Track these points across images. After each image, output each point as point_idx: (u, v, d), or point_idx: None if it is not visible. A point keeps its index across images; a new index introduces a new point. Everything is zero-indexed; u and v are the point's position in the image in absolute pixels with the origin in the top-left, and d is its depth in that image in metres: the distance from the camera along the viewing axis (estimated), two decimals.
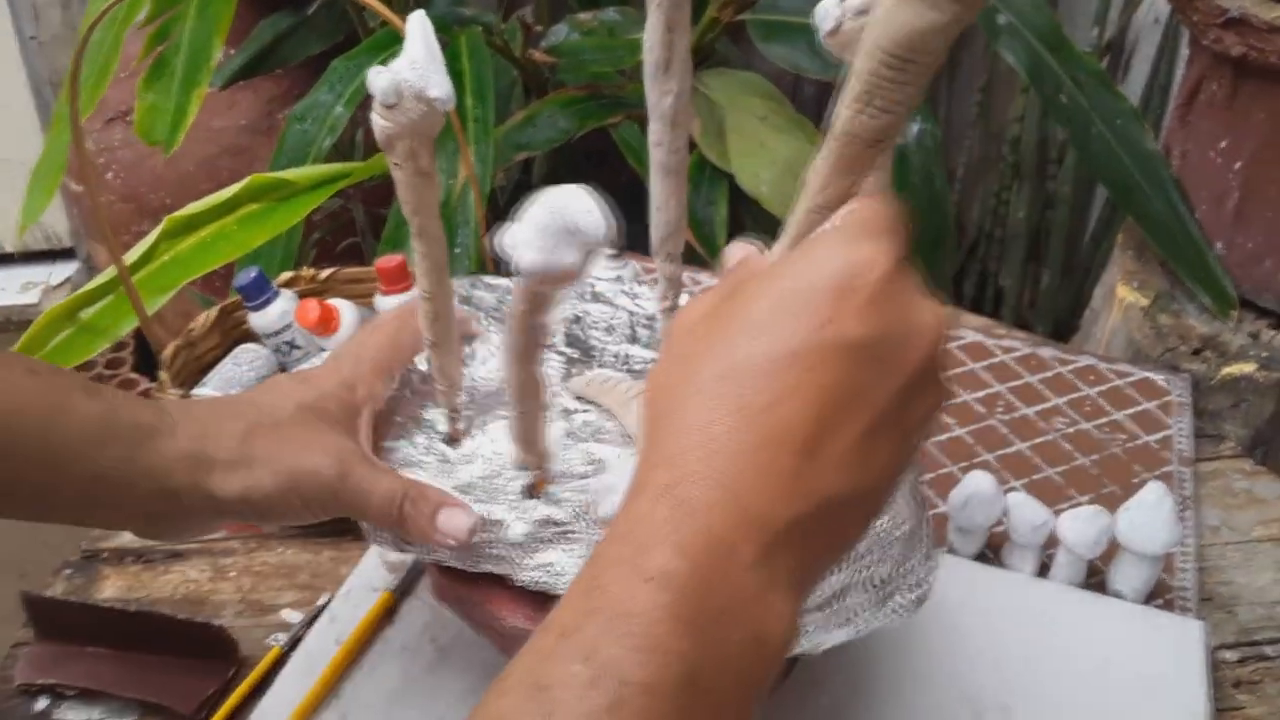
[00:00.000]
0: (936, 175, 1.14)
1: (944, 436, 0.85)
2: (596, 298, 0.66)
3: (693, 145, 1.33)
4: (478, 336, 0.61)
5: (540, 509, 0.51)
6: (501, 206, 1.53)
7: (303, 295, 0.86)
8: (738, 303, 0.36)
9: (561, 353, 0.61)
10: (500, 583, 0.51)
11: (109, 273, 0.84)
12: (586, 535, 0.50)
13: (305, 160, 1.11)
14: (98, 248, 1.90)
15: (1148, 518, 0.68)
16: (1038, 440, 0.84)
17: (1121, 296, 1.01)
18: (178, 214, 0.87)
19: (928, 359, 0.36)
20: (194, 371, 0.83)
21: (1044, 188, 1.52)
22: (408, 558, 0.71)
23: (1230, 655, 0.70)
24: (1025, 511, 0.71)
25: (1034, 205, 1.53)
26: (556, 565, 0.49)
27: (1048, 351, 0.94)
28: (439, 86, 0.44)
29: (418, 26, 0.44)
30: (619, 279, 0.68)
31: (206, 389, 0.80)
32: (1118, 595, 0.71)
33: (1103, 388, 0.90)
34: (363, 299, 0.88)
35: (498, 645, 0.55)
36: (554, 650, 0.31)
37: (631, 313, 0.65)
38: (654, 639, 0.30)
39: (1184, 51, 1.19)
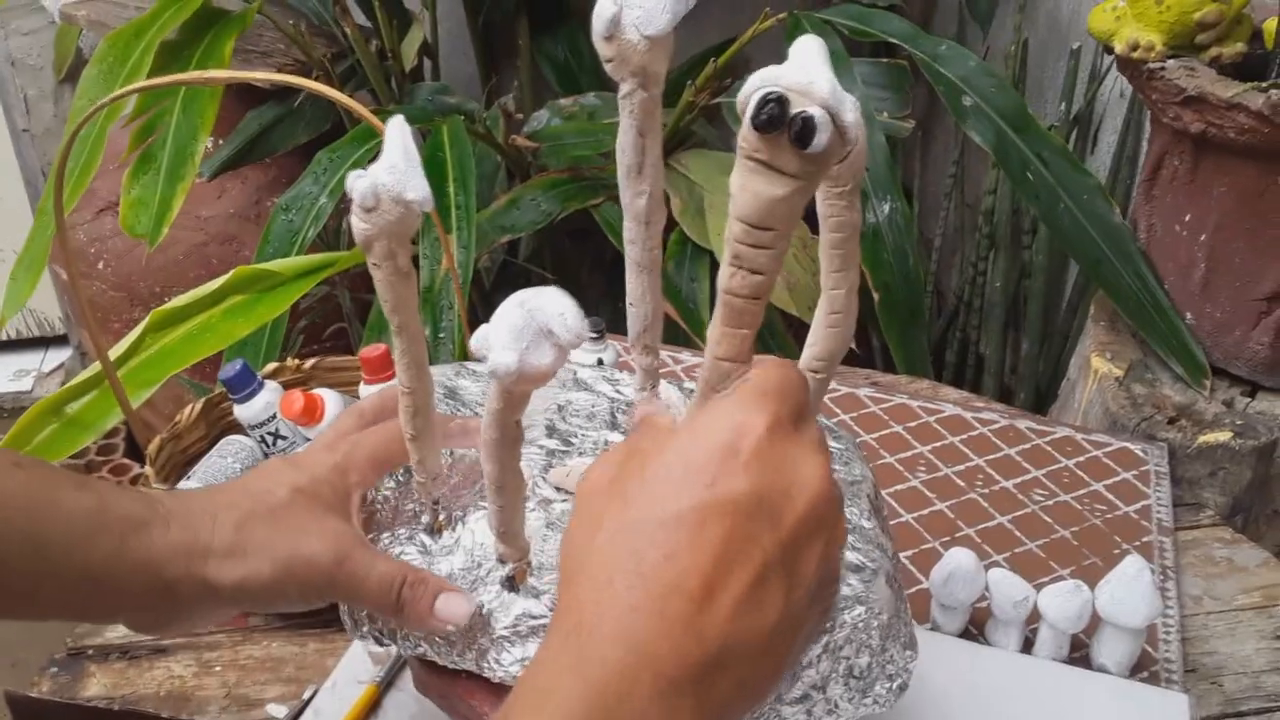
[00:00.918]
0: (910, 252, 1.16)
1: (925, 511, 0.86)
2: (579, 385, 0.67)
3: (674, 224, 1.36)
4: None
5: (519, 603, 0.51)
6: (488, 287, 1.55)
7: (287, 386, 0.86)
8: (635, 465, 0.40)
9: (542, 445, 0.62)
10: (481, 677, 0.51)
11: (95, 367, 0.85)
12: None
13: (291, 250, 1.13)
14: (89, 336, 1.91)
15: (1128, 591, 0.69)
16: (1018, 513, 0.85)
17: (1096, 367, 1.02)
18: (164, 307, 0.89)
19: (811, 509, 0.39)
20: (179, 464, 0.84)
21: (1019, 257, 1.55)
22: (393, 649, 0.71)
23: None
24: (1006, 587, 0.71)
25: (1010, 274, 1.55)
26: (532, 659, 0.50)
27: (1025, 424, 0.95)
28: (416, 189, 0.45)
29: (396, 132, 0.46)
30: (600, 363, 0.69)
31: (192, 482, 0.81)
32: (1102, 669, 0.71)
33: (1080, 459, 0.91)
34: (347, 387, 0.89)
35: None
36: None
37: (612, 399, 0.66)
38: None
39: (1149, 126, 1.22)
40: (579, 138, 1.43)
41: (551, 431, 0.63)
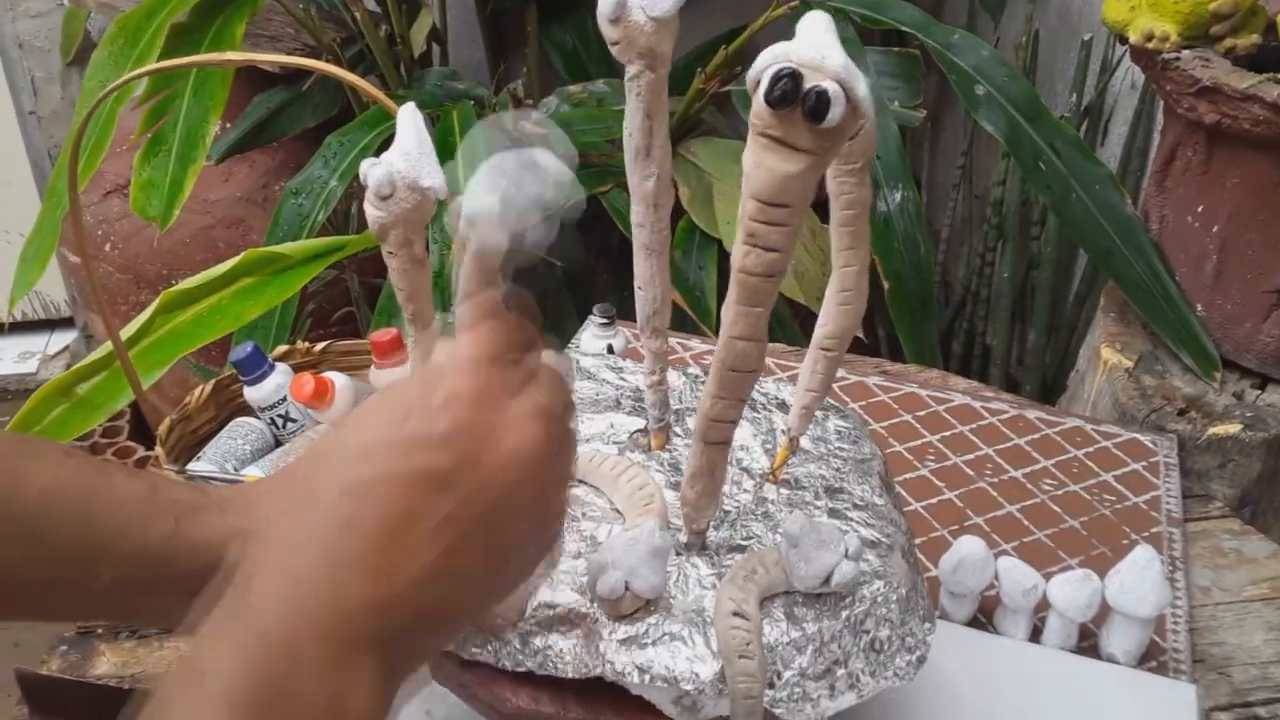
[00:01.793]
0: (921, 240, 1.16)
1: (934, 500, 0.85)
2: (584, 374, 0.67)
3: (682, 212, 1.35)
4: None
5: (539, 593, 0.51)
6: None
7: (297, 369, 0.86)
8: (346, 429, 0.39)
9: None
10: (503, 668, 0.51)
11: (105, 347, 0.85)
12: (584, 615, 0.50)
13: (300, 234, 1.13)
14: (95, 317, 1.91)
15: (1137, 581, 0.69)
16: (1027, 502, 0.85)
17: (1105, 358, 1.02)
18: (174, 289, 0.89)
19: (508, 482, 0.38)
20: (189, 445, 0.84)
21: (1028, 248, 1.55)
22: None
23: (1225, 717, 0.70)
24: (1015, 576, 0.71)
25: (1018, 265, 1.55)
26: (555, 648, 0.50)
27: (1034, 414, 0.95)
28: (432, 176, 0.45)
29: (409, 118, 0.46)
30: (610, 349, 0.69)
31: (202, 463, 0.81)
32: (1110, 659, 0.71)
33: (1090, 449, 0.91)
34: (357, 371, 0.89)
35: None
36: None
37: (617, 386, 0.66)
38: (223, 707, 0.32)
39: (1160, 117, 1.22)
40: (587, 124, 1.43)
41: None
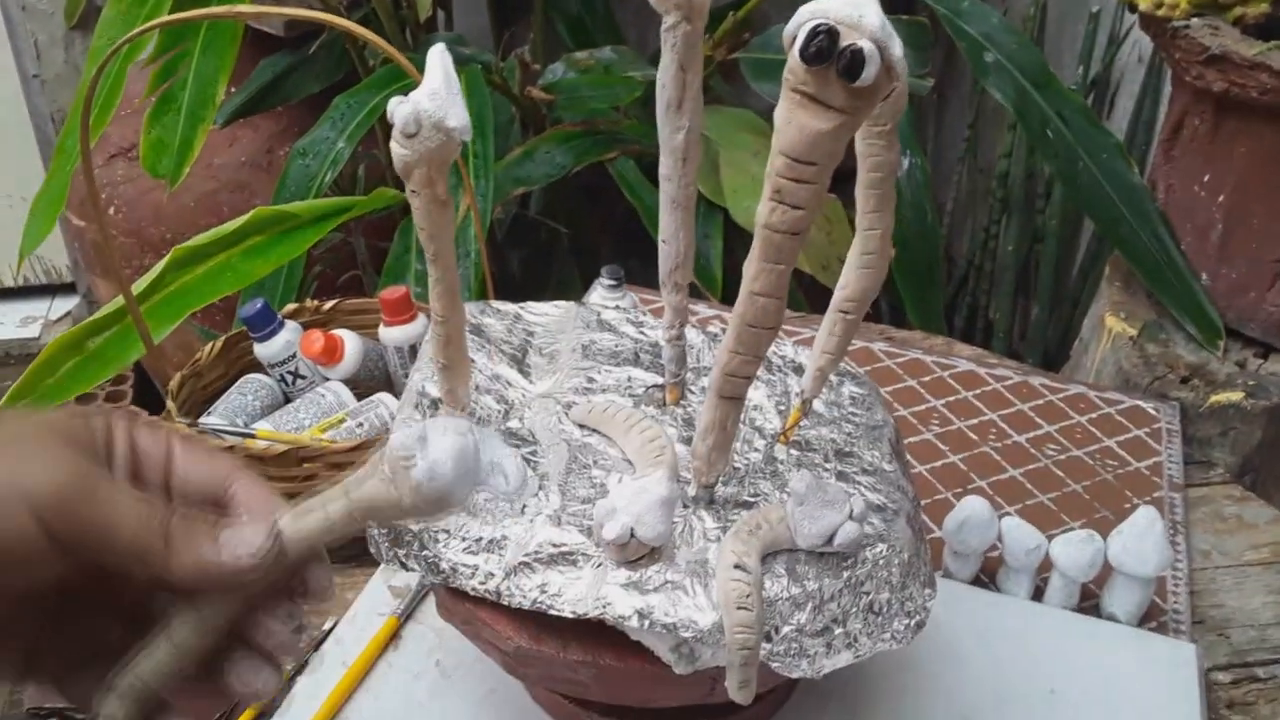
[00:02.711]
0: (927, 208, 1.16)
1: (938, 463, 0.86)
2: (603, 326, 0.67)
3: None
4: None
5: (543, 531, 0.52)
6: (500, 239, 1.55)
7: (307, 326, 0.87)
8: None
9: (567, 384, 0.62)
10: (504, 603, 0.52)
11: (116, 302, 0.85)
12: (588, 558, 0.51)
13: (308, 194, 1.13)
14: (98, 281, 1.91)
15: (1139, 541, 0.70)
16: (1030, 467, 0.86)
17: (1110, 326, 1.03)
18: (185, 245, 0.89)
19: None
20: (200, 401, 0.84)
21: (1032, 221, 1.55)
22: (412, 580, 0.72)
23: (1223, 677, 0.71)
24: (1019, 535, 0.72)
25: (1022, 239, 1.55)
26: (552, 586, 0.50)
27: (1039, 380, 0.96)
28: (457, 117, 0.46)
29: (437, 59, 0.46)
30: (621, 308, 0.70)
31: (213, 418, 0.81)
32: (1111, 618, 0.72)
33: (1093, 415, 0.91)
34: (366, 330, 0.89)
35: (502, 664, 0.56)
36: None
37: (636, 340, 0.67)
38: None
39: (1167, 88, 1.22)
40: (594, 91, 1.42)
41: (575, 371, 0.63)
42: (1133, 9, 0.99)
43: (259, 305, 0.84)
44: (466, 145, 1.13)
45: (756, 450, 0.59)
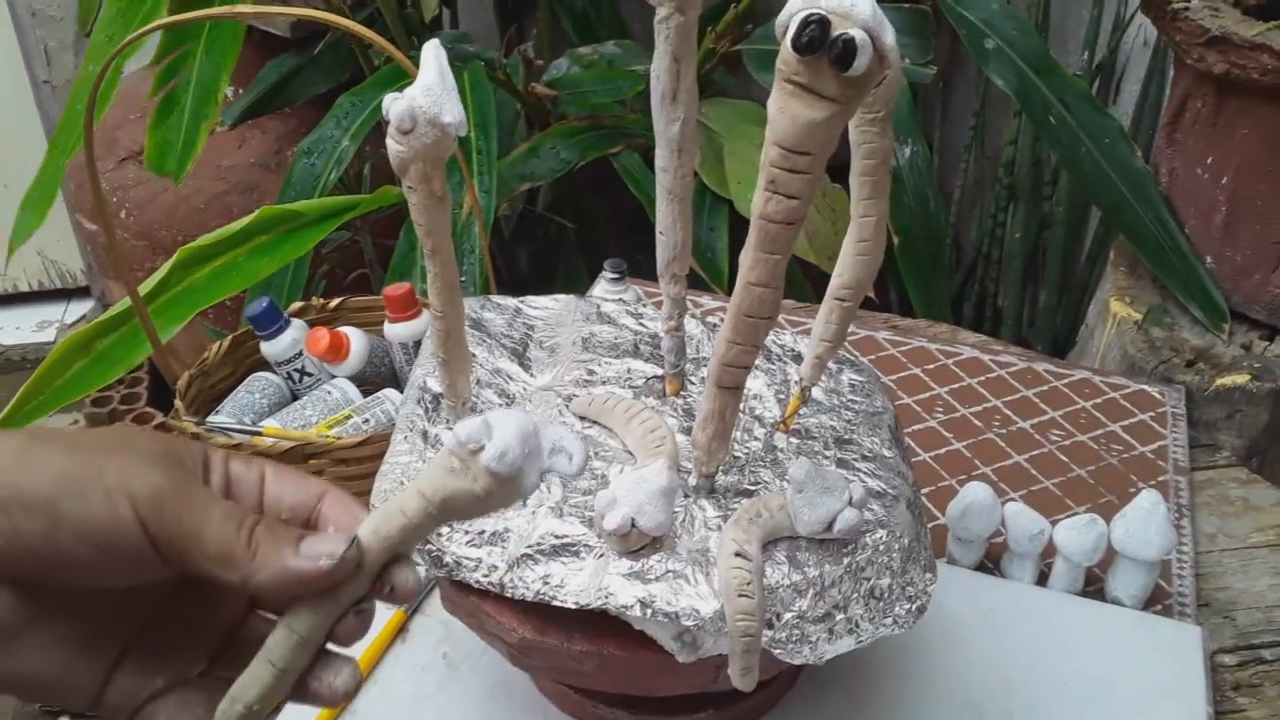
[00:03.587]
0: (930, 196, 1.16)
1: (942, 450, 0.86)
2: (603, 319, 0.68)
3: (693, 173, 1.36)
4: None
5: (545, 523, 0.52)
6: (507, 236, 1.55)
7: (313, 324, 0.88)
8: None
9: (568, 377, 0.63)
10: (508, 595, 0.52)
11: (123, 303, 0.86)
12: (590, 548, 0.52)
13: (313, 193, 1.14)
14: (111, 285, 1.93)
15: (1142, 524, 0.70)
16: (1035, 452, 0.86)
17: (1115, 311, 1.02)
18: (191, 245, 0.90)
19: None
20: (208, 400, 0.85)
21: (1039, 208, 1.54)
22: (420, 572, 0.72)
23: (1229, 659, 0.71)
24: (1022, 521, 0.72)
25: (1030, 226, 1.55)
26: (555, 577, 0.51)
27: (1043, 366, 0.96)
28: (452, 112, 0.46)
29: (432, 55, 0.46)
30: (622, 301, 0.70)
31: (220, 417, 0.82)
32: (1116, 602, 0.72)
33: (1098, 400, 0.91)
34: (372, 327, 0.90)
35: (507, 656, 0.56)
36: None
37: (635, 331, 0.67)
38: None
39: (1172, 72, 1.21)
40: (598, 86, 1.43)
41: (575, 364, 0.64)
42: None
43: (264, 304, 0.84)
44: (470, 141, 1.13)
45: (756, 439, 0.60)
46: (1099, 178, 1.03)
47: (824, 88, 0.41)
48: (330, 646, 0.39)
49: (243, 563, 0.36)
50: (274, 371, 0.87)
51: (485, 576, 0.52)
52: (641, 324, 0.68)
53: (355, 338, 0.86)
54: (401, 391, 0.84)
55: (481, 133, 1.13)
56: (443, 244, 0.51)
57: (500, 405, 0.60)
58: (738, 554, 0.50)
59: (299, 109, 1.58)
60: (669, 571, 0.51)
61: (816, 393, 0.63)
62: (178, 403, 0.80)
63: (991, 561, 0.76)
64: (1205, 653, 0.68)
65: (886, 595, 0.54)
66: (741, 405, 0.59)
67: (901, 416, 0.89)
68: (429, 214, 0.49)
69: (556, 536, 0.52)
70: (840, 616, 0.52)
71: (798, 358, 0.66)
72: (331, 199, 0.99)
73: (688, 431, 0.59)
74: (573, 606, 0.50)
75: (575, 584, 0.50)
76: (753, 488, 0.56)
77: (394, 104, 0.46)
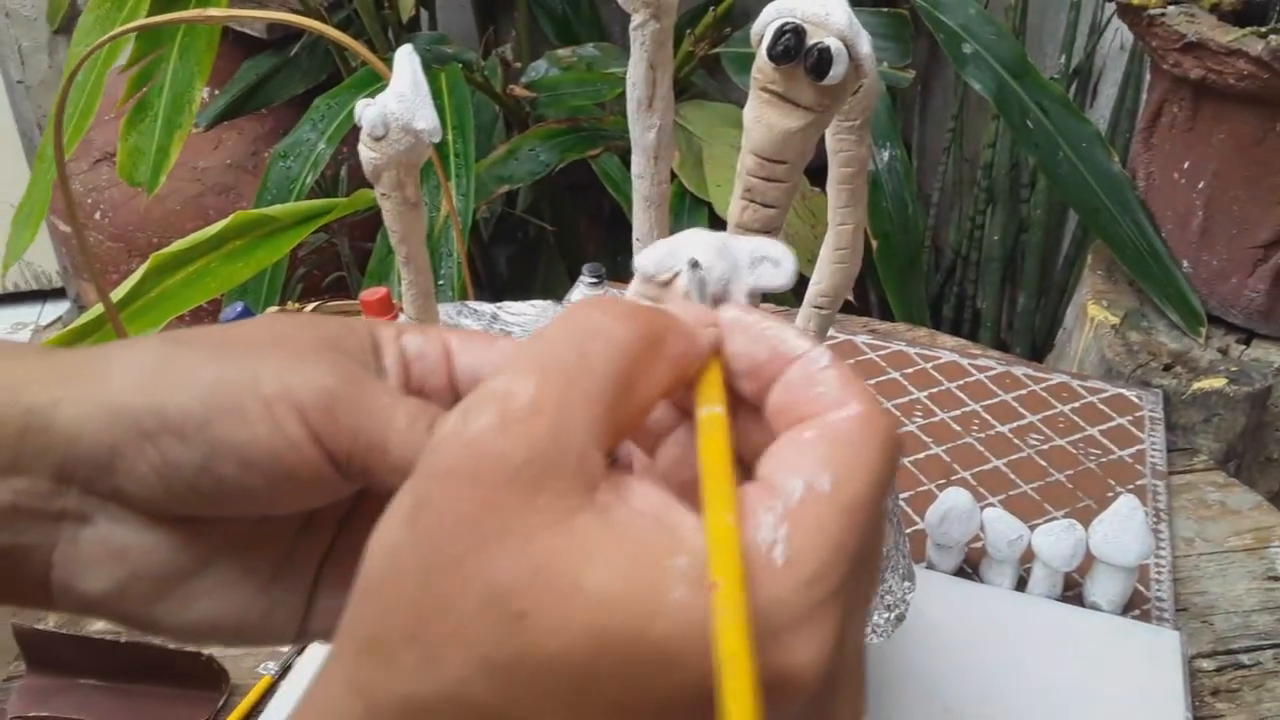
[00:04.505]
0: (909, 200, 1.17)
1: (921, 455, 0.86)
2: None
3: (673, 176, 1.35)
4: None
5: None
6: (486, 239, 1.55)
7: None
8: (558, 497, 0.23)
9: None
10: None
11: (97, 309, 0.85)
12: None
13: (289, 197, 1.13)
14: (87, 287, 1.91)
15: (1120, 530, 0.70)
16: (1013, 457, 0.86)
17: (1092, 315, 1.03)
18: (164, 251, 0.89)
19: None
20: None
21: (1017, 211, 1.55)
22: None
23: (1208, 664, 0.71)
24: (1000, 526, 0.72)
25: (1008, 229, 1.55)
26: None
27: (1021, 370, 0.96)
28: (425, 119, 0.46)
29: (405, 60, 0.46)
30: None
31: None
32: (1095, 607, 0.72)
33: (1076, 404, 0.91)
34: None
35: None
36: None
37: None
38: None
39: (1149, 77, 1.22)
40: (577, 88, 1.42)
41: None
42: None
43: (238, 309, 0.83)
44: (447, 144, 1.13)
45: None
46: (1076, 182, 1.04)
47: (800, 96, 0.41)
48: None
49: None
50: None
51: None
52: None
53: None
54: None
55: (459, 135, 1.13)
56: (417, 250, 0.50)
57: None
58: None
59: (276, 110, 1.57)
60: None
61: None
62: None
63: (970, 567, 0.76)
64: (1184, 658, 0.68)
65: None
66: None
67: None
68: (403, 220, 0.49)
69: None
70: None
71: None
72: (307, 203, 0.98)
73: None
74: None
75: None
76: None
77: (366, 110, 0.45)
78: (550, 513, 0.22)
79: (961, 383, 0.94)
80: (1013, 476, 0.84)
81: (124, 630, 0.72)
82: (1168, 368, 0.96)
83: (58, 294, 2.32)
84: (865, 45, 0.41)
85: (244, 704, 0.66)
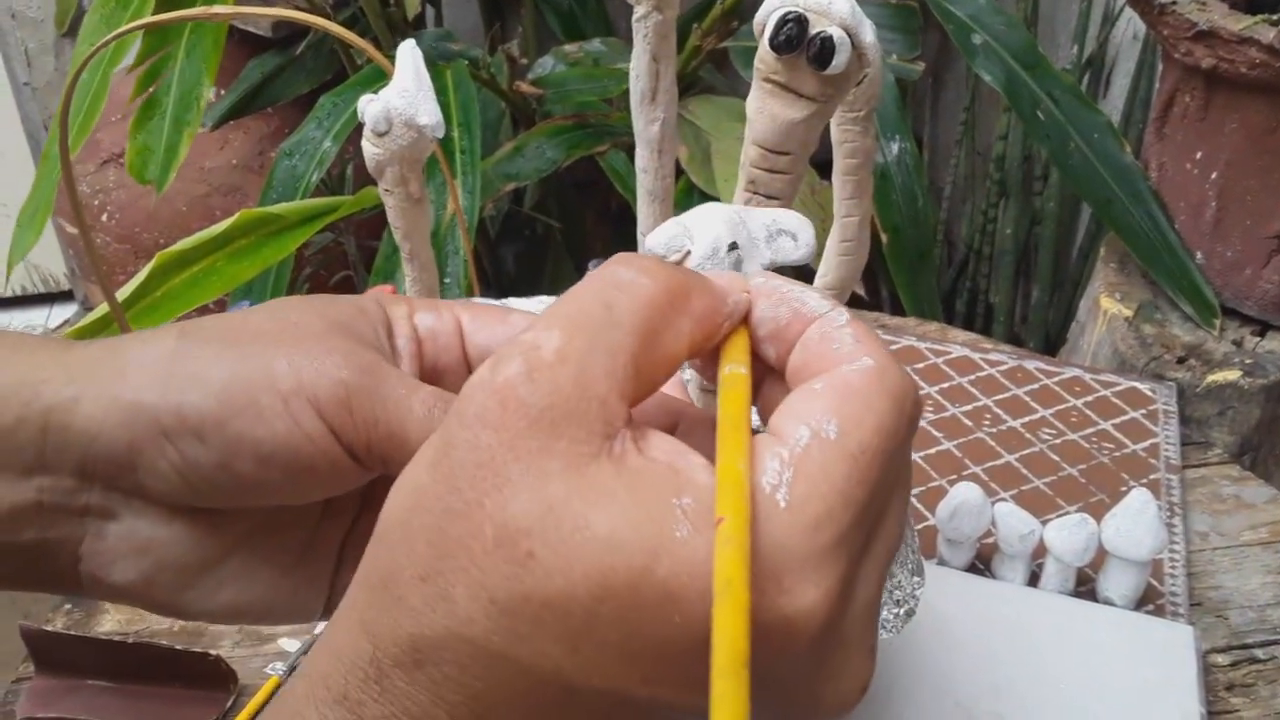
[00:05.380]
0: (919, 193, 1.16)
1: (932, 450, 0.86)
2: None
3: (680, 170, 1.35)
4: None
5: None
6: (493, 236, 1.54)
7: None
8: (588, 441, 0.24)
9: None
10: None
11: (102, 309, 0.85)
12: None
13: (295, 195, 1.12)
14: (94, 289, 1.91)
15: (1133, 524, 0.69)
16: (1025, 452, 0.85)
17: (1105, 308, 1.02)
18: (169, 250, 0.89)
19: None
20: None
21: (1030, 204, 1.54)
22: None
23: (1222, 659, 0.70)
24: (1012, 521, 0.72)
25: (1021, 222, 1.54)
26: None
27: (1034, 364, 0.95)
28: (428, 114, 0.45)
29: (408, 55, 0.46)
30: None
31: None
32: (1108, 602, 0.72)
33: (1089, 398, 0.91)
34: None
35: None
36: None
37: None
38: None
39: (1161, 67, 1.21)
40: (584, 84, 1.42)
41: None
42: None
43: (245, 306, 0.83)
44: (453, 141, 1.12)
45: None
46: (1088, 173, 1.03)
47: (802, 86, 0.40)
48: None
49: None
50: None
51: None
52: None
53: None
54: None
55: (465, 132, 1.12)
56: (421, 247, 0.50)
57: None
58: None
59: (282, 109, 1.57)
60: None
61: None
62: None
63: (982, 562, 0.75)
64: (1198, 652, 0.67)
65: None
66: None
67: None
68: (406, 217, 0.49)
69: None
70: None
71: None
72: (313, 201, 0.98)
73: None
74: None
75: None
76: None
77: (369, 106, 0.45)
78: (567, 457, 0.23)
79: (973, 377, 0.93)
80: (1025, 471, 0.83)
81: (131, 631, 0.72)
82: (1181, 360, 0.95)
83: (65, 296, 2.32)
84: (869, 34, 0.40)
85: (252, 704, 0.65)
